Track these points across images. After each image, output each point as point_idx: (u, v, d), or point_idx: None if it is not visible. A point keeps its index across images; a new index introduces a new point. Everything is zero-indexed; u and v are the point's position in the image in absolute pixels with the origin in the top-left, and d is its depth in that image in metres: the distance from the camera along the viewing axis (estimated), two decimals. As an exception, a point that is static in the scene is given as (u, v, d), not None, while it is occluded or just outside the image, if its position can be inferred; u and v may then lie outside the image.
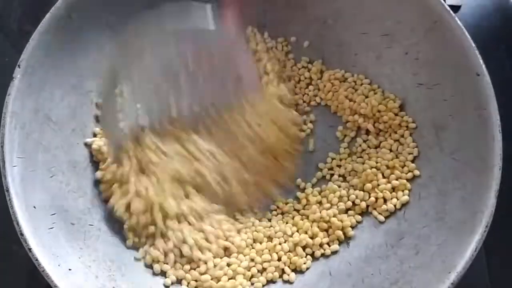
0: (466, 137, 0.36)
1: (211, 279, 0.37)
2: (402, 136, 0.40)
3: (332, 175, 0.42)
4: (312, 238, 0.39)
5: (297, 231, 0.39)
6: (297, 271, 0.38)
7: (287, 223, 0.40)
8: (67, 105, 0.38)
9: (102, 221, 0.37)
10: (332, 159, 0.42)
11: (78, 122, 0.39)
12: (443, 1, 0.38)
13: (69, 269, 0.32)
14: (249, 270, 0.38)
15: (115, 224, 0.38)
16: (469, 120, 0.36)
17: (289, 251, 0.38)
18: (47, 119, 0.37)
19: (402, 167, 0.39)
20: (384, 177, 0.39)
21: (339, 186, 0.40)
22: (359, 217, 0.39)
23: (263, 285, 0.37)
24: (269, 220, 0.40)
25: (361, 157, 0.41)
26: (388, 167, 0.40)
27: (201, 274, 0.37)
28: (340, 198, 0.40)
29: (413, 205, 0.38)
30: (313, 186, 0.42)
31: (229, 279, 0.37)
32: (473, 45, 0.37)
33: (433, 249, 0.34)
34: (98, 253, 0.35)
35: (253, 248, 0.39)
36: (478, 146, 0.35)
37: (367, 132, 0.42)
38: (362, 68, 0.43)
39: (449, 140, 0.37)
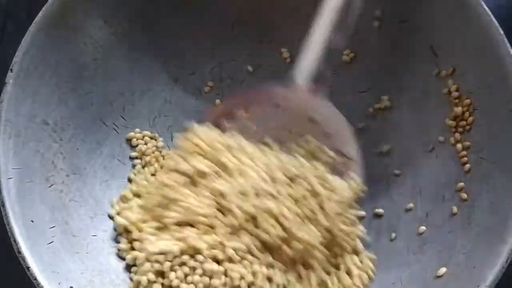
0: (495, 134, 0.33)
1: None
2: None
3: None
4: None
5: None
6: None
7: None
8: (65, 109, 0.36)
9: (106, 231, 0.36)
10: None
11: (78, 126, 0.37)
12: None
13: (71, 287, 0.31)
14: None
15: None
16: (498, 115, 0.33)
17: None
18: (44, 124, 0.35)
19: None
20: None
21: None
22: None
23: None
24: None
25: None
26: None
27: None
28: None
29: (437, 207, 0.35)
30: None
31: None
32: (501, 31, 0.34)
33: (459, 258, 0.32)
34: (102, 266, 0.34)
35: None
36: (509, 144, 0.32)
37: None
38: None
39: (476, 137, 0.35)
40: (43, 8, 0.35)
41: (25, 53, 0.34)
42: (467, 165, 0.35)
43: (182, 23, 0.41)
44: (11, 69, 0.33)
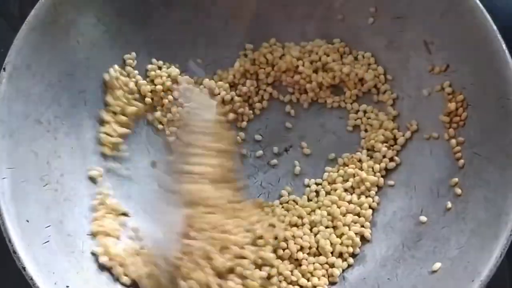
0: (488, 129, 0.34)
1: None
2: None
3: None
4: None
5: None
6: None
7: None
8: (58, 108, 0.36)
9: (101, 230, 0.36)
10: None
11: (71, 125, 0.37)
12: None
13: (67, 286, 0.31)
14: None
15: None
16: (491, 110, 0.34)
17: None
18: (37, 124, 0.35)
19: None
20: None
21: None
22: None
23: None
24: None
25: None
26: None
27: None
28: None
29: (432, 202, 0.35)
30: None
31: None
32: (494, 27, 0.34)
33: (453, 253, 0.32)
34: (97, 265, 0.33)
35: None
36: (502, 140, 0.32)
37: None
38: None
39: (470, 132, 0.35)
40: (35, 7, 0.35)
41: (18, 52, 0.34)
42: (461, 161, 0.35)
43: (175, 21, 0.41)
44: (4, 68, 0.33)
